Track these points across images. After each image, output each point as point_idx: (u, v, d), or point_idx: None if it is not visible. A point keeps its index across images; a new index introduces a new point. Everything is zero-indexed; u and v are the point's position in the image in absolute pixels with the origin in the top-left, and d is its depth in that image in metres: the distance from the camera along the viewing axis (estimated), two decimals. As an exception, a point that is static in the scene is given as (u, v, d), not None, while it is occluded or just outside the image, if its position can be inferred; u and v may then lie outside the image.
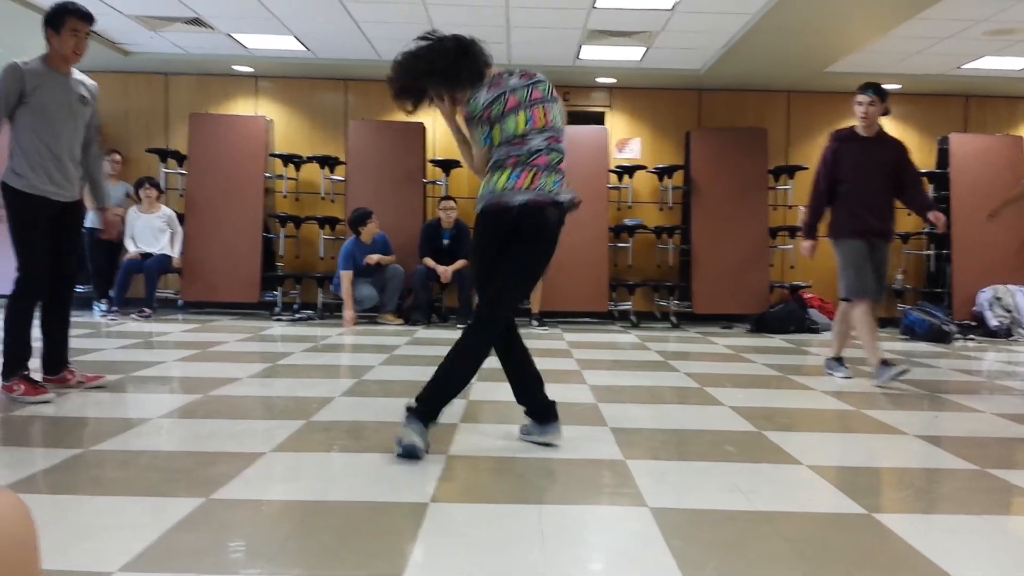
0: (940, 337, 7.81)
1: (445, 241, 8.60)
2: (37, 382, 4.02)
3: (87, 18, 4.08)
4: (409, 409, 3.11)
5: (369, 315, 8.60)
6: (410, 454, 3.01)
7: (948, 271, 9.21)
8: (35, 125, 3.99)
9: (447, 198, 8.75)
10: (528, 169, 3.24)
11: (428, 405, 3.12)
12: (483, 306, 3.26)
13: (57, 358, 4.28)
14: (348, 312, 8.17)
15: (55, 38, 4.02)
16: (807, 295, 9.03)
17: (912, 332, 8.12)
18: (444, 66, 3.21)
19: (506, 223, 3.21)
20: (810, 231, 5.50)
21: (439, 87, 3.29)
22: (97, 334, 6.85)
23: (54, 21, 4.01)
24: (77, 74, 4.20)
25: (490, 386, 4.74)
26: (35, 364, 4.34)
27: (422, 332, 7.66)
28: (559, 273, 8.83)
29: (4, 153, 4.04)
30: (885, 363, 5.09)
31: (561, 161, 3.32)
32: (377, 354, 5.99)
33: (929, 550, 2.21)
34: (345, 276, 8.18)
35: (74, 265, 4.34)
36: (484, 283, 3.29)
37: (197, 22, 7.74)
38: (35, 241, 4.05)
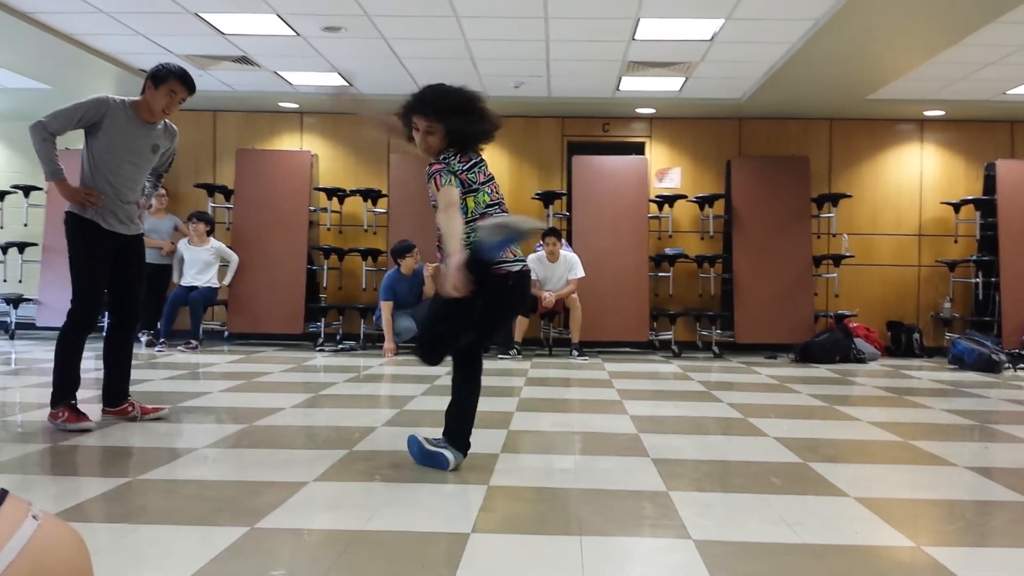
0: (989, 367, 7.64)
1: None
2: (81, 411, 4.07)
3: (190, 86, 4.23)
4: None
5: (410, 346, 8.65)
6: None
7: (997, 299, 9.02)
8: (101, 161, 4.08)
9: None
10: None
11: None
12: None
13: (118, 391, 4.34)
14: (388, 343, 8.23)
15: (152, 91, 4.14)
16: (852, 324, 8.89)
17: (961, 362, 7.95)
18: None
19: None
20: None
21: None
22: (144, 365, 6.98)
23: (157, 77, 4.14)
24: (163, 123, 4.30)
25: (530, 416, 4.75)
26: (88, 395, 4.44)
27: (463, 363, 7.67)
28: (600, 303, 8.82)
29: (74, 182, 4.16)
30: None
31: None
32: (418, 384, 6.02)
33: (981, 585, 2.16)
34: (385, 307, 8.25)
35: (139, 299, 4.40)
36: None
37: (245, 60, 7.93)
38: (96, 273, 4.12)
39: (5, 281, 9.60)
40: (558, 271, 8.53)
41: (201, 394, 5.40)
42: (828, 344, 8.41)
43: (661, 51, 7.35)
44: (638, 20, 6.53)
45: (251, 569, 2.21)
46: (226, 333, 9.35)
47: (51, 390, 4.09)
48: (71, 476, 3.36)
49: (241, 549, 2.35)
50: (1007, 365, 7.72)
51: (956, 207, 9.41)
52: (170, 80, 4.14)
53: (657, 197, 9.52)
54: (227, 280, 8.99)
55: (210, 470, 3.38)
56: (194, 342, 8.45)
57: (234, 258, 9.04)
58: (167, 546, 2.39)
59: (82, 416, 4.05)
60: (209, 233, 8.98)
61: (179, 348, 8.30)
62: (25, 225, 9.62)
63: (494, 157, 9.94)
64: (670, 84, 8.50)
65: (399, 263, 8.39)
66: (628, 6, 6.23)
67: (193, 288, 8.74)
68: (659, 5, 6.20)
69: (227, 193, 9.62)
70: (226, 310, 9.25)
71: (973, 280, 9.42)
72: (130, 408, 4.33)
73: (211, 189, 9.59)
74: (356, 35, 7.05)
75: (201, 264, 8.84)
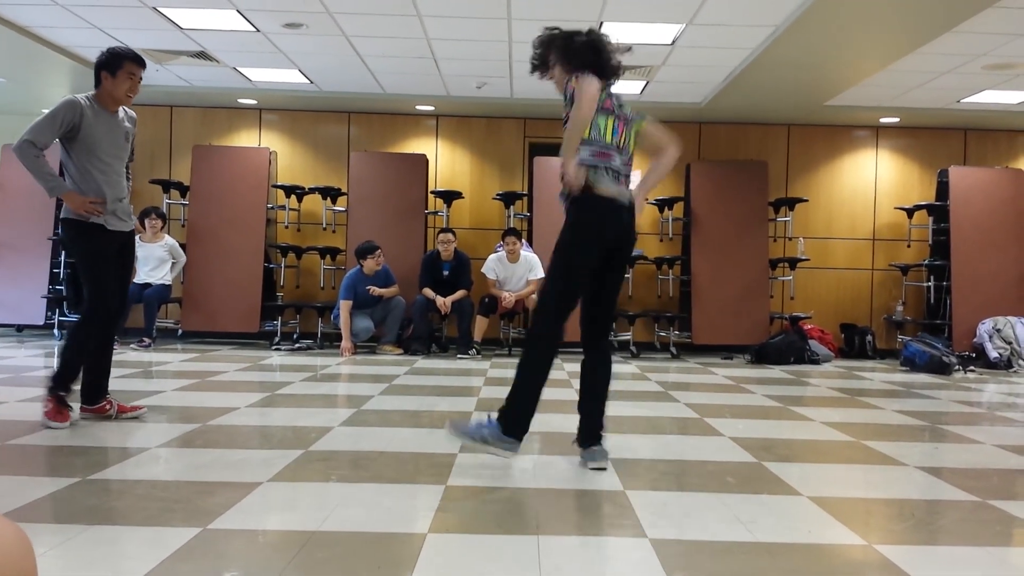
0: (940, 368, 7.79)
1: (445, 272, 8.62)
2: (63, 409, 4.07)
3: (143, 63, 4.25)
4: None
5: (369, 345, 8.60)
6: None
7: (948, 303, 9.22)
8: (90, 163, 4.11)
9: (445, 230, 8.75)
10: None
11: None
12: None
13: (98, 388, 4.32)
14: (346, 343, 8.16)
15: (110, 81, 4.15)
16: (807, 326, 9.02)
17: (912, 363, 8.11)
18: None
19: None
20: None
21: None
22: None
23: (111, 65, 4.14)
24: (122, 110, 4.32)
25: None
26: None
27: (421, 362, 7.65)
28: (560, 304, 8.81)
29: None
30: None
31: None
32: (376, 384, 5.98)
33: (930, 582, 2.19)
34: (344, 306, 8.18)
35: (127, 296, 4.47)
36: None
37: (203, 56, 7.82)
38: (108, 274, 4.17)
39: (-48, 277, 9.36)
40: (518, 271, 8.53)
41: (154, 393, 5.31)
42: (783, 346, 8.52)
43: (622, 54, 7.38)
44: (601, 24, 6.56)
45: (203, 570, 2.18)
46: (180, 331, 9.21)
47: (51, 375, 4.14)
48: (18, 475, 3.27)
49: (193, 550, 2.31)
50: (957, 367, 7.89)
51: (909, 212, 9.59)
52: (125, 64, 4.17)
53: (617, 199, 9.55)
54: (169, 278, 8.82)
55: (162, 470, 3.33)
56: (147, 340, 8.30)
57: (182, 258, 8.89)
58: (117, 547, 2.34)
59: (61, 415, 4.04)
60: (162, 228, 8.84)
61: (132, 346, 8.15)
62: (-27, 219, 9.39)
63: (455, 157, 9.94)
64: (631, 87, 8.54)
65: (362, 263, 8.33)
66: (591, 9, 6.26)
67: (147, 285, 8.58)
68: (621, 9, 6.24)
69: (183, 189, 9.48)
70: (180, 308, 9.12)
71: (925, 284, 9.61)
72: (108, 406, 4.30)
73: (166, 185, 9.44)
74: (317, 32, 6.99)
75: (155, 261, 8.69)
